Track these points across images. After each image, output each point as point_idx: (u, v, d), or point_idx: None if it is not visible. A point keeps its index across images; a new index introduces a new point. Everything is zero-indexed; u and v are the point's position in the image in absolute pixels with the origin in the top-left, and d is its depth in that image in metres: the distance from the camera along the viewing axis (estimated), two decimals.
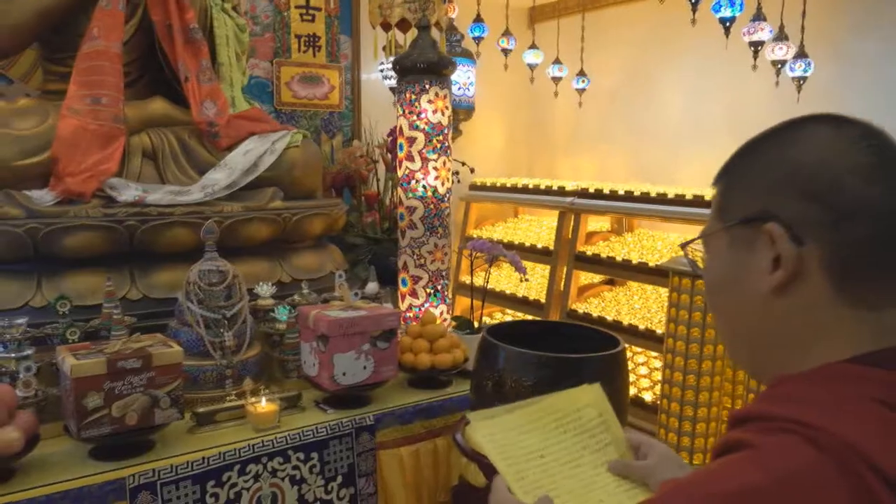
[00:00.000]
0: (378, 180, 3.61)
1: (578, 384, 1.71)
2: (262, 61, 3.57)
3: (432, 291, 2.50)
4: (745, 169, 0.69)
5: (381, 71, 4.06)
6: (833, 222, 0.61)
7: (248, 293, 2.10)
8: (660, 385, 2.96)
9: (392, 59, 3.87)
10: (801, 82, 3.40)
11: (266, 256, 2.44)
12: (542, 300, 4.39)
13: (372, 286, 2.50)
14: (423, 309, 2.51)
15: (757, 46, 3.18)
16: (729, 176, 0.72)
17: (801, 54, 3.35)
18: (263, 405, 1.84)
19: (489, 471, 1.73)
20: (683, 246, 0.82)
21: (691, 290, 2.66)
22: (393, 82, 3.93)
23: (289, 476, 1.77)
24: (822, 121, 0.67)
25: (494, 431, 0.94)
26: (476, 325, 2.45)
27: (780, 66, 3.35)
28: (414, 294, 2.51)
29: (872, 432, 0.55)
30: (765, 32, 3.15)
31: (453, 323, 2.52)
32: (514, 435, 0.94)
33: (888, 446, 0.54)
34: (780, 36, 3.28)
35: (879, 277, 0.61)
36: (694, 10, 2.81)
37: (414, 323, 2.36)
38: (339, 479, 1.86)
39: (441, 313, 2.53)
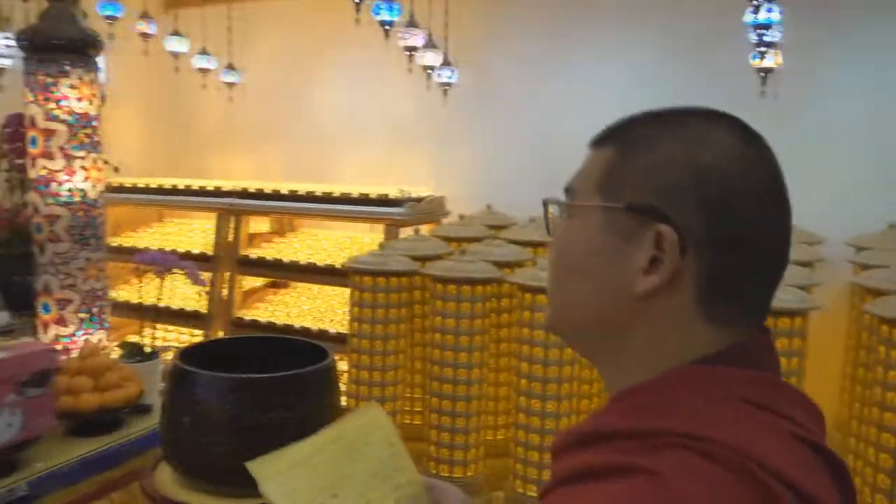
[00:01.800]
0: None
1: (295, 403, 1.57)
2: None
3: (87, 316, 2.08)
4: (649, 149, 0.62)
5: None
6: (718, 243, 0.59)
7: None
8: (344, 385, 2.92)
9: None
10: (447, 88, 3.69)
11: None
12: (204, 310, 4.04)
13: (1, 316, 1.98)
14: (74, 339, 2.07)
15: (411, 51, 3.34)
16: (623, 146, 0.64)
17: (446, 62, 3.62)
18: None
19: None
20: (548, 202, 0.71)
21: (373, 287, 2.68)
22: None
23: None
24: (734, 127, 0.63)
25: (281, 472, 0.80)
26: (148, 350, 2.11)
27: (430, 71, 3.57)
28: (62, 321, 2.06)
29: (759, 437, 0.55)
30: (418, 39, 3.33)
31: (118, 351, 2.12)
32: (304, 471, 0.82)
33: (775, 448, 0.54)
34: (430, 43, 3.50)
35: (737, 301, 0.61)
36: (358, 10, 2.82)
37: (68, 357, 1.92)
38: None
39: (100, 341, 2.12)
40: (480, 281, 2.53)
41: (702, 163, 0.59)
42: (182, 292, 4.25)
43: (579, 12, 3.86)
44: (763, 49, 2.88)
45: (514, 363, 2.59)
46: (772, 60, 3.02)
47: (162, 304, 4.03)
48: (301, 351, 1.72)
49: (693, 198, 0.58)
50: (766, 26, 2.72)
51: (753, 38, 2.85)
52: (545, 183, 4.23)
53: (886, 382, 1.95)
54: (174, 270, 2.09)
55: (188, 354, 1.63)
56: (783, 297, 2.07)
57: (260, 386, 1.53)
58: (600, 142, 0.68)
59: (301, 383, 1.60)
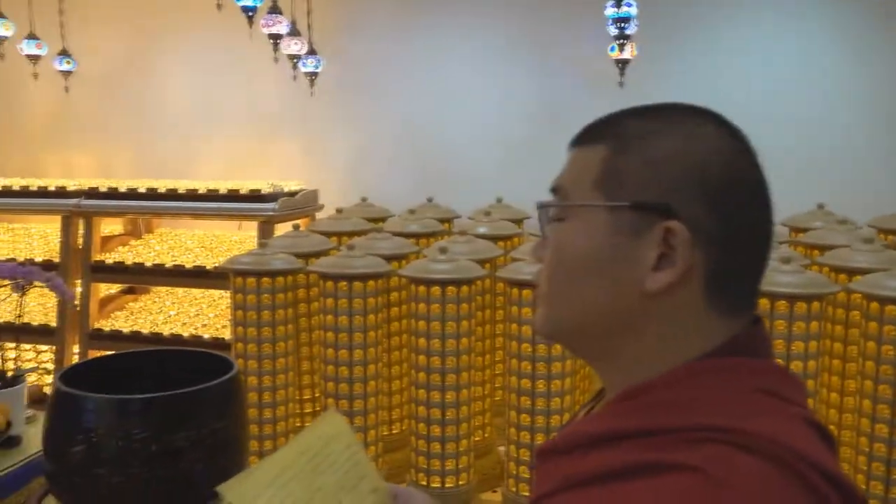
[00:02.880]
0: None
1: (203, 422, 1.46)
2: None
3: None
4: (647, 145, 0.62)
5: None
6: (723, 235, 0.60)
7: None
8: None
9: None
10: (314, 78, 3.58)
11: None
12: (53, 323, 3.66)
13: None
14: None
15: (276, 39, 3.20)
16: (618, 143, 0.63)
17: (311, 51, 3.51)
18: None
19: None
20: (543, 205, 0.68)
21: (257, 289, 2.55)
22: None
23: None
24: (719, 122, 0.64)
25: (257, 495, 0.78)
26: (10, 373, 1.87)
27: (296, 60, 3.45)
28: None
29: (784, 426, 0.56)
30: (282, 26, 3.19)
31: None
32: (277, 492, 0.79)
33: (799, 436, 0.56)
34: (294, 31, 3.37)
35: (739, 291, 0.63)
36: None
37: None
38: None
39: None
40: (371, 276, 2.49)
41: (702, 157, 0.60)
42: (28, 306, 3.81)
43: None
44: (622, 41, 3.05)
45: (409, 356, 2.59)
46: (628, 52, 3.21)
47: (16, 322, 3.63)
48: (190, 363, 1.59)
49: (698, 192, 0.59)
50: (626, 19, 2.89)
51: (613, 30, 3.01)
52: (418, 172, 4.23)
53: None
54: (35, 284, 1.87)
55: (70, 376, 1.47)
56: None
57: (161, 406, 1.41)
58: (587, 140, 0.67)
59: (207, 399, 1.49)
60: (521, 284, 2.33)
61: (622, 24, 2.91)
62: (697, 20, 3.61)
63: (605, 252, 0.62)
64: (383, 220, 3.71)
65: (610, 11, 2.88)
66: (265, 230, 3.36)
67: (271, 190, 3.45)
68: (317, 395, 2.83)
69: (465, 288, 2.41)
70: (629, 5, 2.82)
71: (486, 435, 2.77)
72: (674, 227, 0.59)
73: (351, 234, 3.30)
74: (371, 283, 2.49)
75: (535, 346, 2.31)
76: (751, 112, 3.48)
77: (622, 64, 3.28)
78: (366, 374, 2.50)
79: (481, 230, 3.15)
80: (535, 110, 3.85)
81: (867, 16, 3.46)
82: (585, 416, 0.73)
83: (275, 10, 3.19)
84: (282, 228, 3.49)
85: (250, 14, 3.00)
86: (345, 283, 2.46)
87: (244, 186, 3.45)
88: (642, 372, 0.62)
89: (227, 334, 3.37)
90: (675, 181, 0.60)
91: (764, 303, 2.01)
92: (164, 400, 1.40)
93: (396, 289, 2.73)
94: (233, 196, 3.42)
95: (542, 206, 0.68)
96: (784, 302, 2.00)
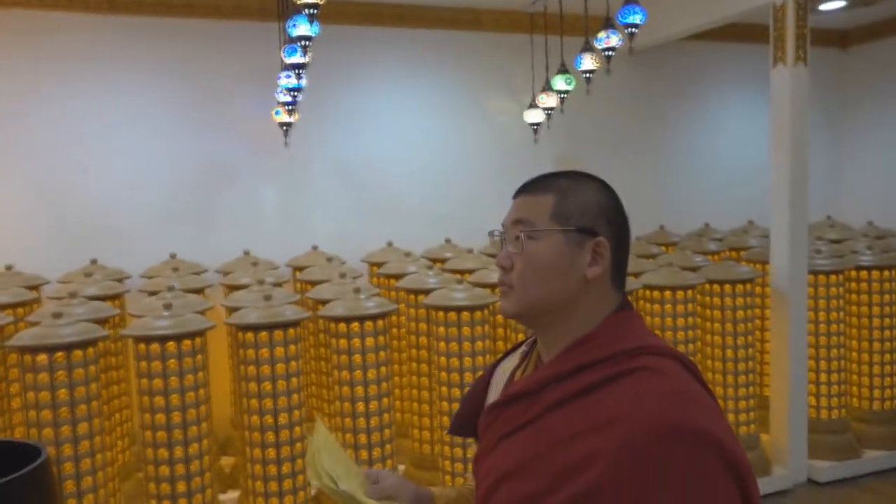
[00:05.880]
0: None
1: None
2: None
3: None
4: (576, 195, 1.03)
5: None
6: (618, 245, 1.04)
7: None
8: None
9: None
10: None
11: None
12: None
13: None
14: None
15: None
16: (559, 192, 1.03)
17: None
18: None
19: None
20: (523, 230, 1.03)
21: None
22: None
23: None
24: (602, 181, 1.07)
25: (333, 475, 1.06)
26: None
27: None
28: None
29: (662, 342, 1.02)
30: None
31: None
32: (336, 472, 1.06)
33: (667, 344, 1.03)
34: None
35: (622, 275, 1.06)
36: None
37: None
38: None
39: None
40: (88, 343, 2.37)
41: (606, 203, 1.05)
42: None
43: (73, 51, 3.72)
44: (291, 107, 3.43)
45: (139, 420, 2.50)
46: (293, 116, 3.59)
47: None
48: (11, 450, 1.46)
49: (605, 222, 1.03)
50: (298, 90, 3.27)
51: (284, 97, 3.36)
52: (69, 234, 3.91)
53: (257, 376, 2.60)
54: None
55: None
56: (189, 315, 2.56)
57: None
58: (536, 190, 1.06)
59: (12, 492, 1.37)
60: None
61: (294, 94, 3.29)
62: (349, 92, 4.18)
63: (564, 259, 1.02)
64: (37, 287, 3.37)
65: (284, 82, 3.23)
66: None
67: None
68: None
69: (198, 340, 2.48)
70: (301, 76, 3.20)
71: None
72: (602, 241, 1.03)
73: (14, 306, 2.97)
74: (90, 349, 2.37)
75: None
76: (384, 165, 4.20)
77: (286, 126, 3.65)
78: (92, 448, 2.35)
79: (175, 284, 3.16)
80: (202, 167, 3.93)
81: (465, 99, 4.51)
82: (522, 375, 1.11)
83: None
84: None
85: None
86: (62, 353, 2.30)
87: None
88: (581, 329, 1.03)
89: None
90: (595, 215, 1.04)
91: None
92: None
93: (115, 353, 2.61)
94: None
95: (521, 231, 1.04)
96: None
